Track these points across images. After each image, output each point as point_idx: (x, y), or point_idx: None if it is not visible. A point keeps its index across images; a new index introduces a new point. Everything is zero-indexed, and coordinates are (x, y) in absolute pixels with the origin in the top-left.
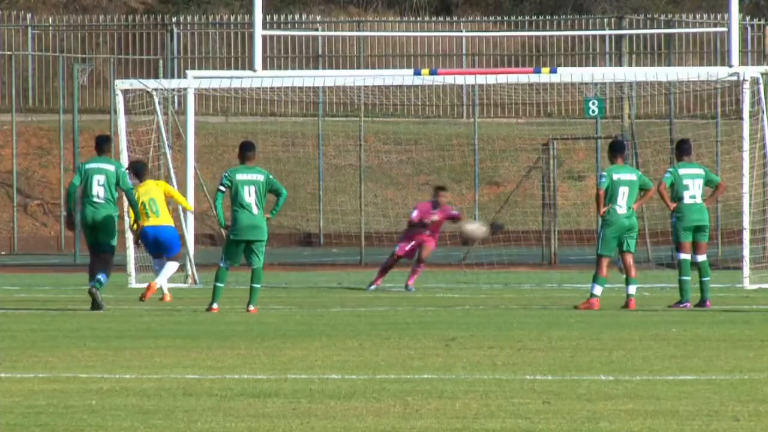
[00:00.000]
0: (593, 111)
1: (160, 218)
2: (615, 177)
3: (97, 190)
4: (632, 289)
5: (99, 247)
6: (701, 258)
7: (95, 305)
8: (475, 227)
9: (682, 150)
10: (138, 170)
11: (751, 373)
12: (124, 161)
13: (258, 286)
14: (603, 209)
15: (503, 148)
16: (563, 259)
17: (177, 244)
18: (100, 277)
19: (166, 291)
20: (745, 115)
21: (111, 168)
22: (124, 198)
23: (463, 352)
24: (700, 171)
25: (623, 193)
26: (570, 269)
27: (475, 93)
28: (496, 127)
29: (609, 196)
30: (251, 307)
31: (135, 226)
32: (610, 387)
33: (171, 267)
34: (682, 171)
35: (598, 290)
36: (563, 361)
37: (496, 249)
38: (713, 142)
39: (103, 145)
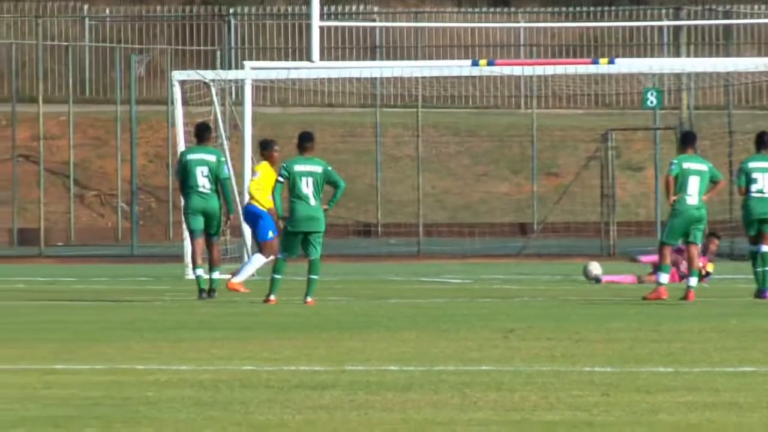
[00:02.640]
0: (651, 102)
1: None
2: (685, 166)
3: (202, 181)
4: (692, 281)
5: (208, 235)
6: (766, 248)
7: (203, 294)
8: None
9: (761, 142)
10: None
11: None
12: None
13: (315, 277)
14: (672, 197)
15: (561, 139)
16: (622, 251)
17: (264, 227)
18: (214, 274)
19: (241, 281)
20: None
21: (212, 158)
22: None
23: (521, 343)
24: None
25: (693, 182)
26: (626, 260)
27: (533, 84)
28: (554, 117)
29: (679, 185)
30: (309, 299)
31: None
32: (669, 379)
33: (256, 261)
34: (752, 164)
35: (664, 278)
36: (622, 352)
37: (555, 240)
38: None
39: (203, 133)
